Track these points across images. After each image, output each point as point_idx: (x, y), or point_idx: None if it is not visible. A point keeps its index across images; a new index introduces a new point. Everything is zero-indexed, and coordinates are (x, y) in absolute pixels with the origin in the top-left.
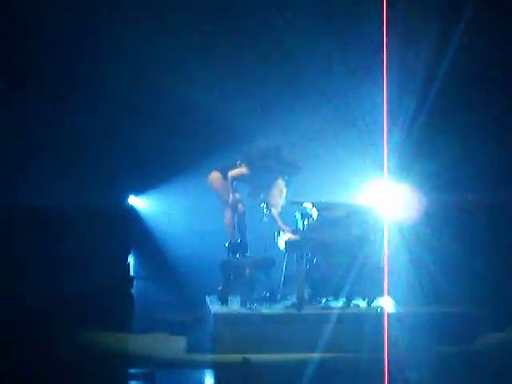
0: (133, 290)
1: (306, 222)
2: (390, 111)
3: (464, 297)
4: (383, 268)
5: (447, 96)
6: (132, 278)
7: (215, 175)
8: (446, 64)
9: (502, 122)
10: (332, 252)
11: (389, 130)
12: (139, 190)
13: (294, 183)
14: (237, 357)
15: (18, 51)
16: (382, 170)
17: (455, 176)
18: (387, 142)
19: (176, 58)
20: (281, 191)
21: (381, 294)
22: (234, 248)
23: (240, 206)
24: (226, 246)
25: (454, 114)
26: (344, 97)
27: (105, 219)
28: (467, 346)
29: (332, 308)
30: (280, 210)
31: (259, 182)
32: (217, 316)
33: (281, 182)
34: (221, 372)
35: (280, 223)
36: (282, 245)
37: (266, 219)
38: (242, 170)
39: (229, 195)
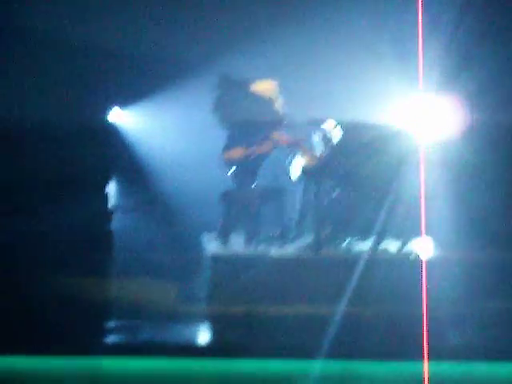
0: (112, 226)
1: (326, 146)
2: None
3: None
4: (420, 203)
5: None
6: (112, 211)
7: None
8: None
9: None
10: (357, 183)
11: (424, 34)
12: (122, 103)
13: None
14: (239, 308)
15: None
16: (417, 81)
17: (502, 93)
18: (423, 47)
19: None
20: None
21: (417, 234)
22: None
23: None
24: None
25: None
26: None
27: (80, 137)
28: None
29: (357, 250)
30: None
31: None
32: (215, 258)
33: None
34: (219, 327)
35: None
36: (296, 172)
37: None
38: None
39: None
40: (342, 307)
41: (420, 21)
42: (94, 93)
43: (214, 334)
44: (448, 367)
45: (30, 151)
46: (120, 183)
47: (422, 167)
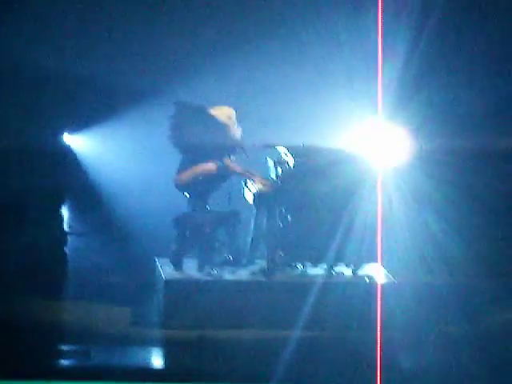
0: (66, 248)
1: (280, 171)
2: (385, 35)
3: (472, 266)
4: (376, 228)
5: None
6: (66, 234)
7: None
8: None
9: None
10: (311, 207)
11: (384, 58)
12: (77, 127)
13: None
14: (191, 333)
15: None
16: (376, 107)
17: (460, 117)
18: (381, 73)
19: None
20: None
21: (370, 260)
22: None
23: None
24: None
25: (459, 41)
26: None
27: (34, 161)
28: (473, 326)
29: (310, 276)
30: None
31: None
32: (168, 282)
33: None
34: (172, 351)
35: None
36: (249, 197)
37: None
38: None
39: None
40: (295, 332)
41: (380, 47)
42: (47, 117)
43: (166, 359)
44: None
45: None
46: (73, 206)
47: (379, 192)
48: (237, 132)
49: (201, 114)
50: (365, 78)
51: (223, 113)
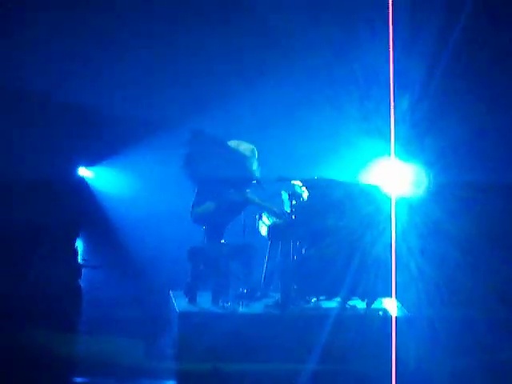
0: (81, 281)
1: (294, 204)
2: (397, 80)
3: (488, 298)
4: (391, 263)
5: (460, 66)
6: (80, 266)
7: None
8: (461, 32)
9: None
10: (325, 241)
11: (396, 99)
12: (92, 161)
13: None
14: (205, 365)
15: None
16: (388, 145)
17: (469, 155)
18: (394, 112)
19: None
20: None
21: (384, 294)
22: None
23: None
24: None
25: (466, 87)
26: (346, 62)
27: (48, 194)
28: (491, 357)
29: (324, 309)
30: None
31: None
32: (183, 315)
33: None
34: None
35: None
36: (264, 231)
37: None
38: None
39: None
40: (309, 366)
41: (391, 80)
42: (62, 149)
43: None
44: None
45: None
46: (88, 239)
47: (393, 225)
48: (254, 166)
49: (220, 147)
50: (378, 113)
51: (243, 147)
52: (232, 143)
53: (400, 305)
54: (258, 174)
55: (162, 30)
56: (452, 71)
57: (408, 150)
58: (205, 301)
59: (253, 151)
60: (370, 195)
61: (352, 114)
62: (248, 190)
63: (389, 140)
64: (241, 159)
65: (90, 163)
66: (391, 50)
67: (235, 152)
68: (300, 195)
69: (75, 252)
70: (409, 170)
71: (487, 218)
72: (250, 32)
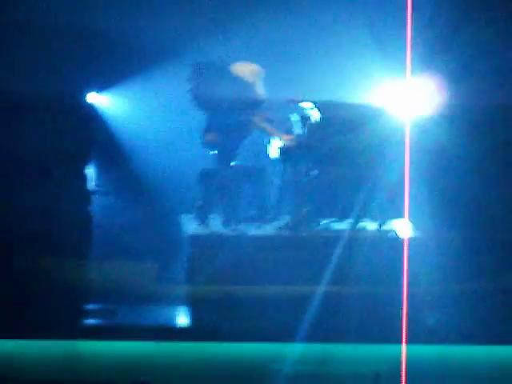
0: (91, 207)
1: (305, 126)
2: None
3: (502, 219)
4: (403, 184)
5: None
6: (90, 193)
7: None
8: None
9: None
10: (337, 163)
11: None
12: (102, 85)
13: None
14: (217, 289)
15: None
16: (403, 64)
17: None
18: (410, 27)
19: None
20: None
21: (396, 215)
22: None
23: None
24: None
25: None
26: None
27: (58, 119)
28: (502, 282)
29: (335, 231)
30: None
31: None
32: (194, 238)
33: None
34: (197, 308)
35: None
36: (275, 153)
37: None
38: None
39: None
40: (321, 288)
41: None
42: (72, 75)
43: (193, 316)
44: (426, 350)
45: (10, 132)
46: (99, 165)
47: (407, 147)
48: (261, 88)
49: (224, 71)
50: (393, 33)
51: (247, 69)
52: (235, 67)
53: (412, 226)
54: (263, 95)
55: None
56: None
57: (423, 68)
58: (216, 224)
59: (257, 73)
60: (383, 116)
61: (366, 32)
62: (257, 114)
63: (404, 59)
64: (245, 82)
65: (101, 88)
66: None
67: (238, 76)
68: (312, 117)
69: (86, 178)
70: (426, 90)
71: (499, 141)
72: None
